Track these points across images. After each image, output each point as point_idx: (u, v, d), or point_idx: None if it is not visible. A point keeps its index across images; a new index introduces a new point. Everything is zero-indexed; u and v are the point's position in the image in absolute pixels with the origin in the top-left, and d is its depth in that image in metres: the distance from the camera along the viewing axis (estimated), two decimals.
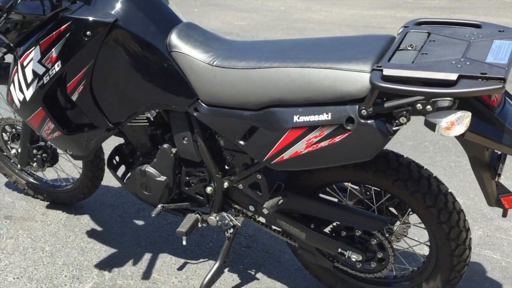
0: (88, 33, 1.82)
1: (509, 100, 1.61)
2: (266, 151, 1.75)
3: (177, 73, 1.84)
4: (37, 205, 2.75)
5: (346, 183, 1.97)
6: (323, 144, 1.64)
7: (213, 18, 6.15)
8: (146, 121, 2.04)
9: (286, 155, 1.72)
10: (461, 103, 1.49)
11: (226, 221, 2.08)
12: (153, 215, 2.13)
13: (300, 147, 1.68)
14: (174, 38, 1.85)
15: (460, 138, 1.54)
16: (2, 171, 2.76)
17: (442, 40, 1.60)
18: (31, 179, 2.73)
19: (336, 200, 1.98)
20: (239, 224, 2.10)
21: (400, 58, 1.53)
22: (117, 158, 2.24)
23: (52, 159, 2.52)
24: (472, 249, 1.89)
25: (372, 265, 1.97)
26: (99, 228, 2.58)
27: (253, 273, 2.30)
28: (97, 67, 1.89)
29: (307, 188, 1.94)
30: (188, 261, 2.37)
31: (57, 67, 1.89)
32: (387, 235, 1.91)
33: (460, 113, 1.40)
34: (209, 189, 2.03)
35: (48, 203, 2.75)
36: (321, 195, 1.99)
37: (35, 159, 2.46)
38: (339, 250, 1.95)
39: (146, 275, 2.28)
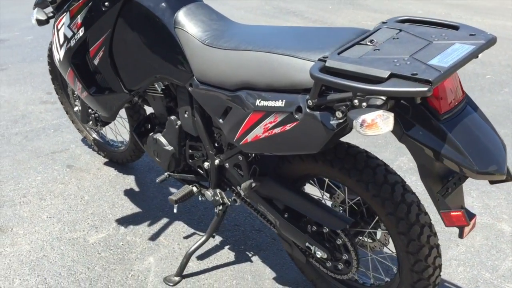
0: (106, 3, 2.01)
1: (472, 110, 1.46)
2: (235, 132, 1.79)
3: (179, 49, 1.94)
4: (97, 160, 3.06)
5: (325, 179, 1.93)
6: (276, 130, 1.64)
7: (342, 16, 6.11)
8: (161, 92, 2.19)
9: (249, 137, 1.75)
10: (402, 104, 1.40)
11: (217, 198, 2.15)
12: (157, 180, 2.28)
13: (259, 131, 1.70)
14: (180, 16, 1.95)
15: (406, 143, 1.45)
16: (76, 126, 3.11)
17: (405, 38, 1.51)
18: (96, 136, 3.04)
19: (313, 194, 1.95)
20: (229, 203, 2.15)
21: (352, 52, 1.48)
22: (145, 125, 2.43)
23: (102, 121, 2.78)
24: (441, 270, 1.74)
25: (339, 266, 1.91)
26: (136, 189, 2.80)
27: (250, 255, 2.34)
28: (115, 36, 2.07)
29: (286, 177, 1.94)
30: (197, 232, 2.48)
31: (81, 32, 2.11)
32: (350, 237, 1.83)
33: (379, 113, 1.34)
34: (206, 165, 2.12)
35: (106, 160, 3.04)
36: (306, 187, 1.97)
37: (90, 118, 2.75)
38: (307, 244, 1.92)
39: (154, 237, 2.44)
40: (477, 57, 1.47)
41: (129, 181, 2.86)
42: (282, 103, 1.61)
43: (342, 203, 1.95)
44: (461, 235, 1.56)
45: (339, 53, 1.47)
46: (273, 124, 1.64)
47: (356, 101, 1.39)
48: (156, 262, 2.29)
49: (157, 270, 2.25)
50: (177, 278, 2.20)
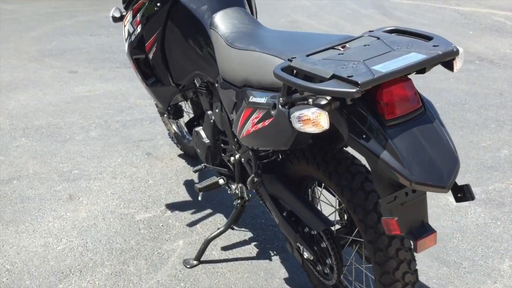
0: (158, 4, 2.26)
1: (428, 120, 1.42)
2: (237, 126, 1.92)
3: (211, 48, 2.12)
4: (173, 151, 3.34)
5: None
6: (259, 125, 1.74)
7: (482, 41, 5.78)
8: (203, 88, 2.38)
9: (244, 132, 1.86)
10: (350, 108, 1.43)
11: (237, 191, 2.27)
12: (193, 170, 2.46)
13: (249, 126, 1.81)
14: (216, 18, 2.13)
15: (351, 145, 1.48)
16: (162, 119, 3.44)
17: (374, 46, 1.53)
18: (176, 129, 3.33)
19: (308, 195, 1.99)
20: (246, 198, 2.25)
21: (321, 55, 1.55)
22: (197, 119, 2.63)
23: (175, 114, 3.04)
24: None
25: (325, 270, 1.91)
26: (196, 181, 3.01)
27: (272, 254, 2.41)
28: (166, 33, 2.31)
29: (290, 178, 1.99)
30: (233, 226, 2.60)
31: (139, 28, 2.39)
32: (331, 242, 1.83)
33: (312, 110, 1.39)
34: (231, 159, 2.25)
35: (181, 152, 3.31)
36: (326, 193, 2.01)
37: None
38: (297, 243, 1.95)
39: (192, 224, 2.63)
40: (453, 70, 1.46)
41: (192, 173, 3.08)
42: (265, 100, 1.71)
43: (341, 208, 1.95)
44: (414, 249, 1.50)
45: (308, 55, 1.53)
46: (257, 119, 1.74)
47: (310, 100, 1.44)
48: (184, 245, 2.46)
49: (181, 252, 2.42)
50: (194, 262, 2.35)
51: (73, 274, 2.30)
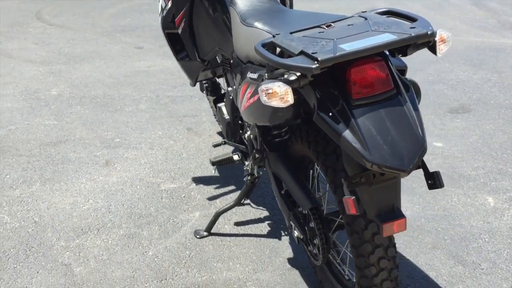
0: None
1: (399, 103, 1.40)
2: (237, 102, 1.97)
3: (229, 24, 2.18)
4: (213, 129, 3.44)
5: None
6: (251, 100, 1.79)
7: None
8: (227, 65, 2.44)
9: (241, 107, 1.92)
10: (319, 85, 1.45)
11: (248, 168, 2.32)
12: (213, 144, 2.54)
13: (244, 101, 1.86)
14: None
15: (317, 122, 1.50)
16: (206, 97, 3.54)
17: (356, 26, 1.53)
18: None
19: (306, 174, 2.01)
20: (255, 175, 2.30)
21: (304, 32, 1.58)
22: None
23: (212, 91, 3.12)
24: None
25: (314, 251, 1.93)
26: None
27: (283, 234, 2.44)
28: (193, 9, 2.40)
29: (291, 157, 2.02)
30: (251, 204, 2.66)
31: (169, 4, 2.48)
32: (318, 222, 1.84)
33: (277, 83, 1.43)
34: (246, 136, 2.31)
35: (221, 130, 3.40)
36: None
37: (203, 86, 3.13)
38: (290, 221, 1.98)
39: (212, 198, 2.72)
40: (436, 54, 1.45)
41: (225, 151, 3.16)
42: (256, 76, 1.75)
43: None
44: (381, 232, 1.49)
45: (291, 32, 1.56)
46: (250, 94, 1.79)
47: (286, 76, 1.47)
48: (200, 217, 2.55)
49: (195, 223, 2.52)
50: (205, 233, 2.43)
51: (90, 232, 2.46)
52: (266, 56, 1.47)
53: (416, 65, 4.39)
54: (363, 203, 1.53)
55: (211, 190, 2.78)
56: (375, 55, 1.44)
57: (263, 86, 1.44)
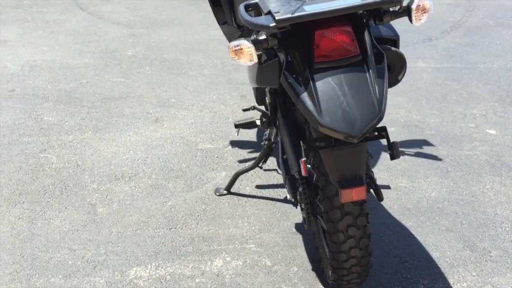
0: None
1: (363, 69, 1.43)
2: None
3: None
4: None
5: None
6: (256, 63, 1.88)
7: None
8: None
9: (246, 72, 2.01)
10: (288, 46, 1.51)
11: (267, 133, 2.41)
12: (242, 109, 2.66)
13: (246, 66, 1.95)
14: None
15: (283, 84, 1.57)
16: None
17: None
18: None
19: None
20: (272, 140, 2.38)
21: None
22: None
23: None
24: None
25: (303, 215, 1.99)
26: None
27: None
28: None
29: (294, 123, 2.08)
30: (278, 170, 2.75)
31: None
32: (305, 187, 1.89)
33: (240, 42, 1.50)
34: (267, 101, 2.40)
35: None
36: None
37: None
38: (286, 185, 2.05)
39: (243, 161, 2.84)
40: (412, 22, 1.47)
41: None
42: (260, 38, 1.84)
43: None
44: (340, 198, 1.54)
45: None
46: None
47: (256, 36, 1.57)
48: (225, 177, 2.69)
49: (219, 182, 2.65)
50: (224, 191, 2.56)
51: (122, 179, 2.68)
52: (240, 15, 1.55)
53: (498, 51, 4.17)
54: (326, 167, 1.58)
55: (244, 153, 2.89)
56: (343, 19, 1.47)
57: (231, 44, 1.52)
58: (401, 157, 2.87)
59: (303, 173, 1.56)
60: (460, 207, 2.45)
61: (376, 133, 1.56)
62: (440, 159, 2.85)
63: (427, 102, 3.46)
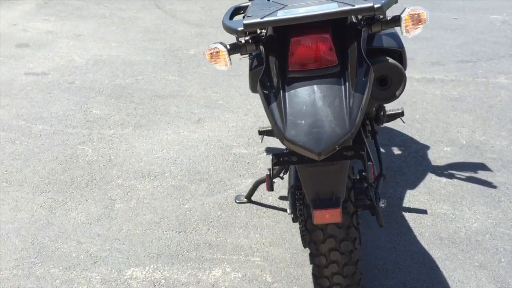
0: None
1: (338, 82, 1.32)
2: None
3: None
4: None
5: None
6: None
7: None
8: None
9: None
10: (268, 53, 1.46)
11: None
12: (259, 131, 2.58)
13: None
14: None
15: (259, 91, 1.52)
16: None
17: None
18: None
19: None
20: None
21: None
22: None
23: None
24: None
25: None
26: None
27: None
28: None
29: None
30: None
31: None
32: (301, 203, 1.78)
33: (214, 46, 1.45)
34: None
35: None
36: None
37: None
38: (288, 198, 1.94)
39: None
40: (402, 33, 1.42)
41: None
42: None
43: None
44: (312, 218, 1.44)
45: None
46: None
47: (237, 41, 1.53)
48: (251, 184, 2.60)
49: (243, 189, 2.57)
50: (244, 199, 2.48)
51: (147, 177, 2.67)
52: (223, 16, 1.51)
53: None
54: (302, 184, 1.47)
55: None
56: (325, 27, 1.37)
57: (209, 46, 1.47)
58: (449, 180, 2.64)
59: (266, 188, 1.46)
60: (503, 243, 2.19)
61: (353, 152, 1.41)
62: (494, 187, 2.58)
63: (497, 123, 3.16)
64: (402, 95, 3.41)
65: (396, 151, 2.92)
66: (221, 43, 1.46)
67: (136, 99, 3.49)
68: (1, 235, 2.29)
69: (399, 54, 1.60)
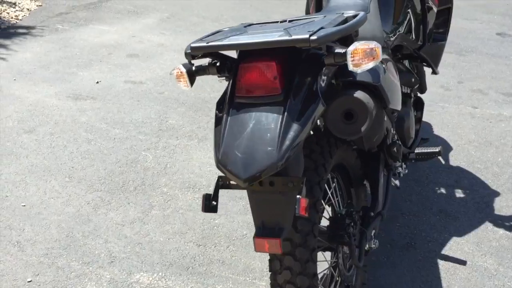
0: None
1: (277, 110, 1.33)
2: None
3: None
4: None
5: None
6: None
7: None
8: None
9: None
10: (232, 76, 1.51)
11: None
12: None
13: None
14: None
15: None
16: None
17: (294, 22, 1.57)
18: None
19: None
20: None
21: (257, 26, 1.65)
22: None
23: None
24: None
25: None
26: None
27: None
28: None
29: None
30: None
31: None
32: None
33: (179, 66, 1.52)
34: None
35: None
36: None
37: None
38: None
39: None
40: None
41: None
42: None
43: None
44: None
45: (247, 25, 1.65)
46: None
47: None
48: None
49: None
50: None
51: (192, 189, 2.76)
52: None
53: None
54: (251, 210, 1.48)
55: None
56: (276, 55, 1.37)
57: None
58: (507, 233, 2.40)
59: (202, 209, 1.47)
60: None
61: (293, 184, 1.37)
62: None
63: None
64: (489, 133, 3.17)
65: (459, 193, 2.71)
66: (184, 64, 1.51)
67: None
68: (45, 224, 2.51)
69: (376, 89, 1.54)
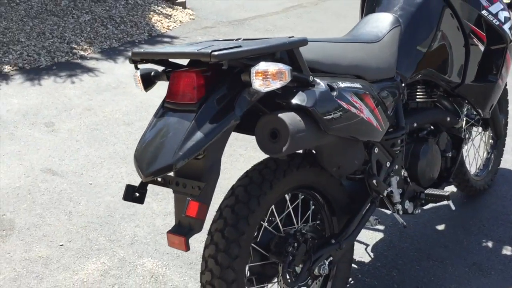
0: None
1: (196, 118, 1.48)
2: None
3: None
4: None
5: None
6: None
7: None
8: None
9: None
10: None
11: None
12: None
13: None
14: None
15: None
16: None
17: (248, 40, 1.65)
18: None
19: None
20: None
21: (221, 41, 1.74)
22: None
23: None
24: None
25: None
26: None
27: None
28: None
29: None
30: None
31: None
32: None
33: (136, 72, 1.69)
34: None
35: None
36: None
37: None
38: None
39: None
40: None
41: None
42: None
43: None
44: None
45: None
46: None
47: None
48: None
49: None
50: None
51: None
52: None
53: None
54: None
55: None
56: (201, 67, 1.52)
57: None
58: None
59: (122, 197, 1.63)
60: None
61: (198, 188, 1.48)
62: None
63: None
64: None
65: (507, 251, 2.51)
66: (142, 69, 1.66)
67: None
68: (98, 202, 2.84)
69: (310, 113, 1.53)
